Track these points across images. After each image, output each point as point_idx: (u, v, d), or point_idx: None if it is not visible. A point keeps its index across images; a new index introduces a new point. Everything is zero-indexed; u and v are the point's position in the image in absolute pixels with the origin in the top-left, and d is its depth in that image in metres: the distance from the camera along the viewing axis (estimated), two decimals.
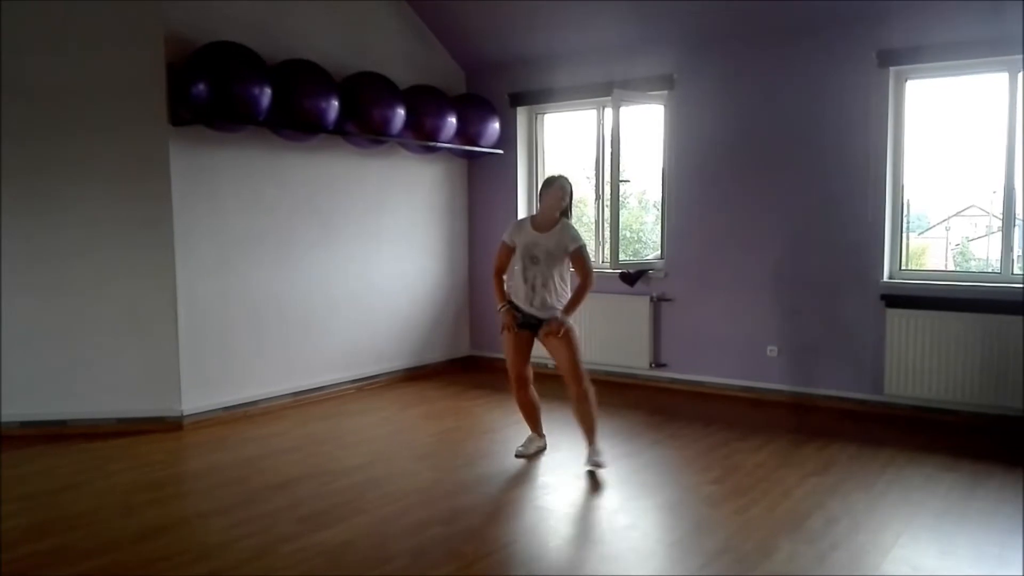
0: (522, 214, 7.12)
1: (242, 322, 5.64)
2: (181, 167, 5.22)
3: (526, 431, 4.77)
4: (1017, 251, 5.24)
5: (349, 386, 6.40)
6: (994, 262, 5.44)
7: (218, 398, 5.51)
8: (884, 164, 5.46)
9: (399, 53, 6.63)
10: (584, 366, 4.53)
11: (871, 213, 5.52)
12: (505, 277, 4.60)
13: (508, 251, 4.51)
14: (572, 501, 4.08)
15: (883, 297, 5.48)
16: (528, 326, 4.50)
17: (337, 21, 6.18)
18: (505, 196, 7.19)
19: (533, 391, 4.67)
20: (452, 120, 6.47)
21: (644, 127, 6.54)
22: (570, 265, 4.50)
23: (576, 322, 4.60)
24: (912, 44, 5.27)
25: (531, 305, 4.47)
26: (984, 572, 3.19)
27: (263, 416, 5.62)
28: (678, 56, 6.20)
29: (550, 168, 7.20)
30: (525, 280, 4.45)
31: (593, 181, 7.00)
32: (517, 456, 4.64)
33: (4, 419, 5.06)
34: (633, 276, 6.36)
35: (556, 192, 4.43)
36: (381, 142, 6.19)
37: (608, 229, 6.49)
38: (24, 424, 5.11)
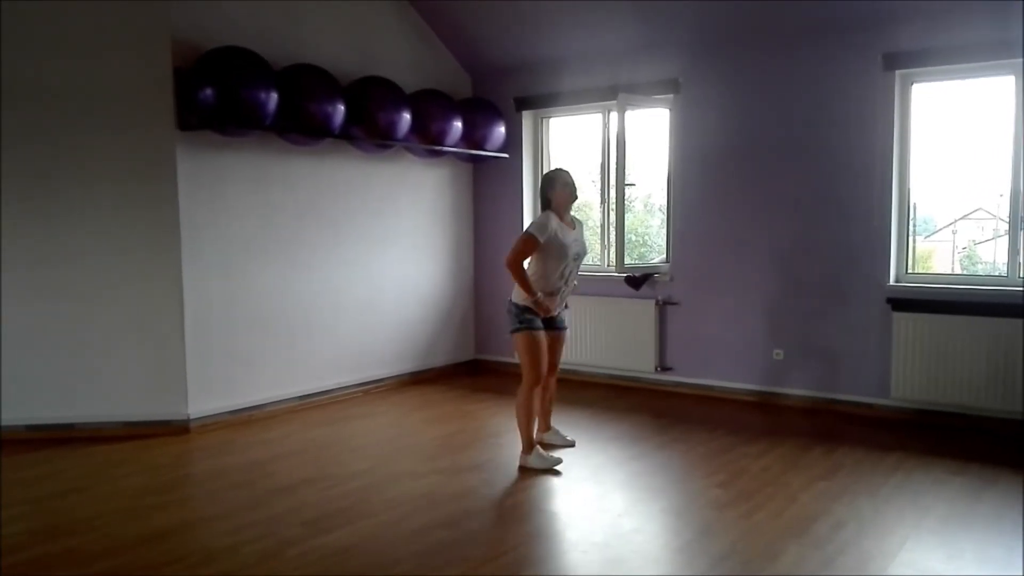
0: (527, 218, 7.13)
1: (248, 326, 5.65)
2: (188, 171, 5.25)
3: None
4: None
5: (354, 390, 6.41)
6: (1001, 265, 5.42)
7: (224, 402, 5.52)
8: (890, 167, 5.45)
9: (405, 58, 6.65)
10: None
11: (877, 216, 5.51)
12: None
13: (537, 247, 4.45)
14: (577, 504, 4.08)
15: (889, 300, 5.47)
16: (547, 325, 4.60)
17: (343, 26, 6.20)
18: (511, 200, 7.20)
19: None
20: (458, 124, 6.48)
21: (649, 131, 6.54)
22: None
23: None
24: (918, 47, 5.27)
25: (559, 303, 4.60)
26: None
27: (268, 420, 5.63)
28: (684, 60, 6.20)
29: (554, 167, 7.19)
30: (562, 277, 4.52)
31: (599, 185, 7.00)
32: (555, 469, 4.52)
33: (11, 422, 5.08)
34: (638, 280, 6.36)
35: (570, 190, 4.55)
36: (387, 146, 6.20)
37: (614, 233, 6.49)
38: (30, 427, 5.12)
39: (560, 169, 4.65)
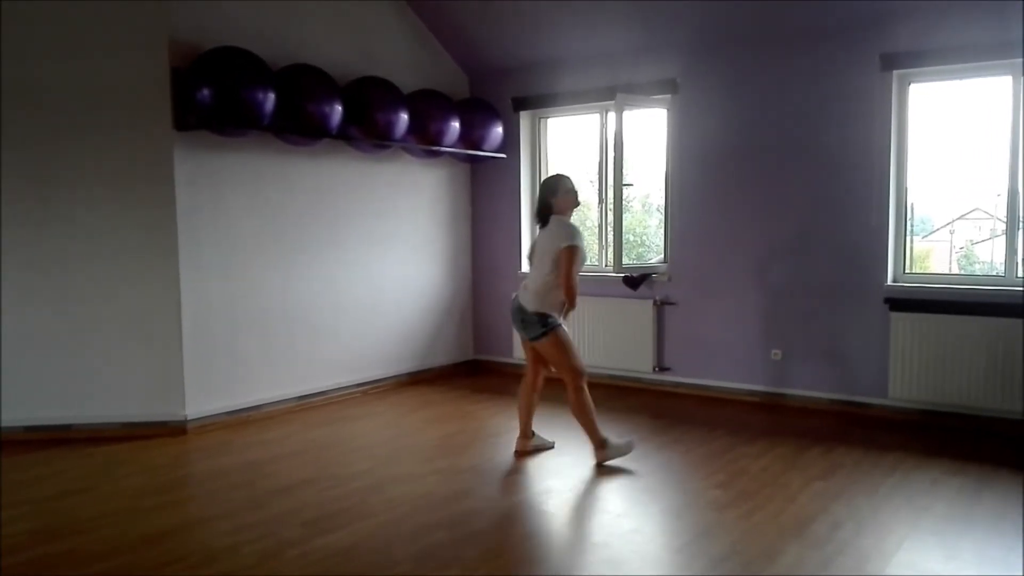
0: (525, 218, 7.14)
1: (246, 326, 5.65)
2: (186, 172, 5.24)
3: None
4: (1021, 254, 5.23)
5: (353, 390, 6.40)
6: (998, 265, 5.43)
7: (222, 402, 5.51)
8: (888, 167, 5.46)
9: (403, 58, 6.65)
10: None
11: (875, 217, 5.52)
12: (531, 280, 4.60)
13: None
14: (577, 505, 4.09)
15: (887, 300, 5.47)
16: None
17: (341, 26, 6.19)
18: (508, 200, 7.20)
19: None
20: (455, 125, 6.47)
21: (647, 131, 6.55)
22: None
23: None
24: (915, 48, 5.28)
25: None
26: None
27: (267, 420, 5.63)
28: (682, 61, 6.21)
29: (553, 172, 7.18)
30: None
31: (596, 185, 7.00)
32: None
33: (9, 423, 5.07)
34: (636, 280, 6.36)
35: (573, 196, 4.57)
36: (385, 147, 6.19)
37: (611, 233, 6.49)
38: (29, 428, 5.11)
39: (562, 175, 4.61)
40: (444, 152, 6.64)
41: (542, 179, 4.74)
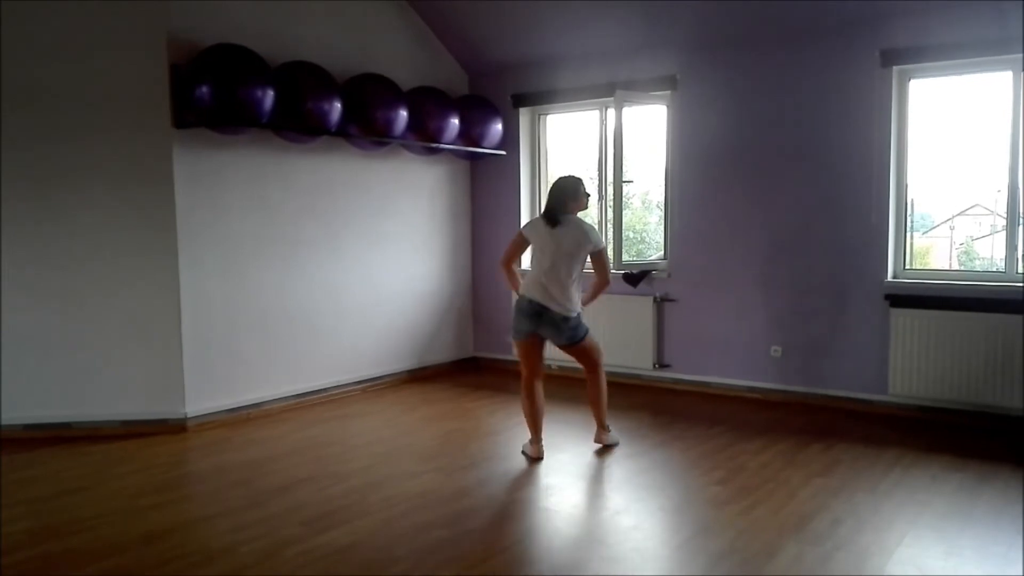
0: (525, 215, 7.13)
1: (245, 324, 5.64)
2: (184, 170, 5.23)
3: (523, 433, 4.79)
4: (1021, 250, 5.22)
5: (352, 388, 6.40)
6: (998, 261, 5.43)
7: (221, 400, 5.51)
8: (888, 164, 5.45)
9: (402, 55, 6.64)
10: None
11: (875, 213, 5.51)
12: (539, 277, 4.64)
13: None
14: (576, 502, 4.08)
15: (887, 297, 5.47)
16: None
17: (340, 23, 6.18)
18: (508, 197, 7.19)
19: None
20: (455, 121, 6.47)
21: (647, 128, 6.54)
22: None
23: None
24: (915, 43, 5.26)
25: None
26: (989, 572, 3.18)
27: (266, 418, 5.63)
28: (681, 57, 6.19)
29: (553, 169, 7.19)
30: None
31: (596, 182, 6.99)
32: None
33: (8, 422, 5.07)
34: (636, 277, 6.36)
35: (587, 200, 4.74)
36: (384, 144, 6.19)
37: (611, 230, 6.49)
38: (28, 427, 5.11)
39: (578, 178, 4.70)
40: (443, 149, 6.63)
41: (556, 179, 4.69)
